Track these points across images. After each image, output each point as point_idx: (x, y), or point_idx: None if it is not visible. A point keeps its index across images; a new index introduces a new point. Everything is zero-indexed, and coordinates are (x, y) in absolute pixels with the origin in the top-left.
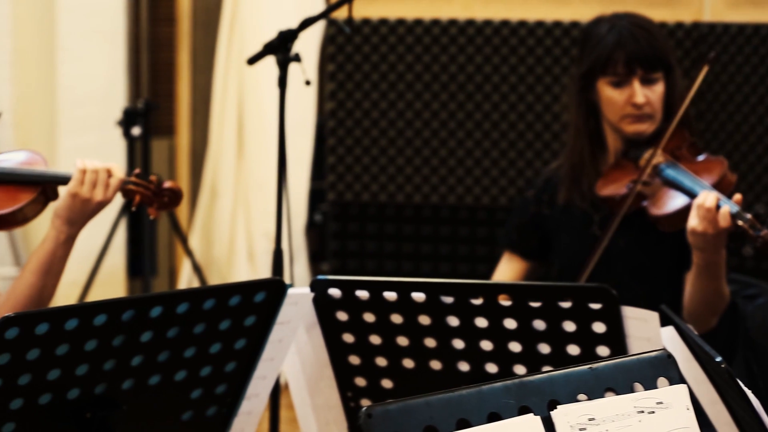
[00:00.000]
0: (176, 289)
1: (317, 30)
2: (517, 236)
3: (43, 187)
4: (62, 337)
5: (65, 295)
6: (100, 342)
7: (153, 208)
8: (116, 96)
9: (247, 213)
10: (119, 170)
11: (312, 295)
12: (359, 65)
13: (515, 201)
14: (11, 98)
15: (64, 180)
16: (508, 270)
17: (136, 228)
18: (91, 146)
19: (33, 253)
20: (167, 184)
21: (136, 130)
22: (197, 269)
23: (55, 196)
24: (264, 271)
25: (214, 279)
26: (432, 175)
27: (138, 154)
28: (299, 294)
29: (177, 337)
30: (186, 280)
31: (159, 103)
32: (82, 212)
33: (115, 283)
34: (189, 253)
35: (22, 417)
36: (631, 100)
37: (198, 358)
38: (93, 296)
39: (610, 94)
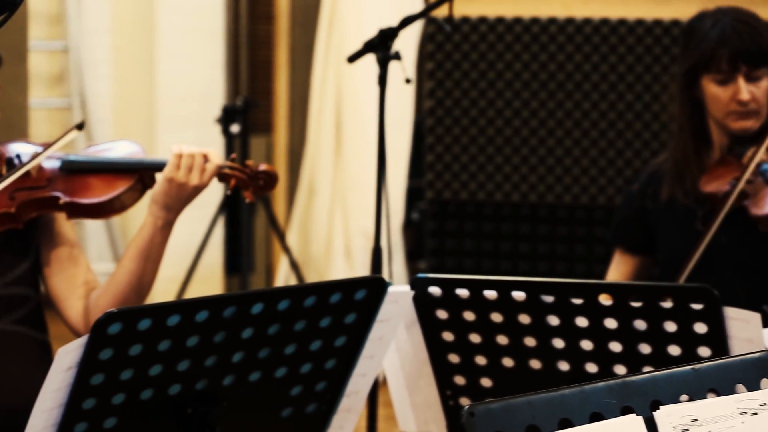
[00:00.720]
0: (274, 286)
1: (416, 28)
2: (622, 231)
3: (140, 174)
4: (164, 333)
5: (164, 291)
6: (202, 338)
7: (249, 192)
8: (215, 94)
9: (344, 210)
10: (216, 155)
11: (412, 293)
12: (458, 63)
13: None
14: (111, 96)
15: (161, 166)
16: (618, 267)
17: (233, 225)
18: (189, 143)
19: (132, 240)
20: (262, 167)
21: (234, 128)
22: (294, 266)
23: (152, 183)
24: (361, 269)
25: (311, 276)
26: (530, 173)
27: (237, 151)
28: (399, 292)
29: (278, 334)
30: (283, 277)
31: (257, 100)
32: (179, 197)
33: (212, 280)
34: (286, 250)
35: (124, 412)
36: (736, 97)
37: (298, 355)
38: (191, 293)
39: (714, 91)
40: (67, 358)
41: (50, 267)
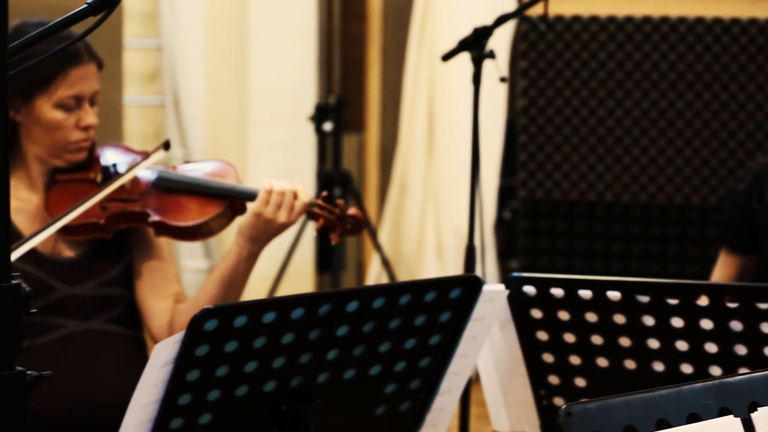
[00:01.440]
0: (365, 284)
1: (509, 26)
2: (727, 230)
3: (231, 201)
4: (260, 330)
5: (256, 288)
6: (297, 335)
7: (335, 234)
8: (307, 92)
9: (436, 209)
10: (305, 193)
11: (507, 292)
12: (552, 62)
13: (727, 195)
14: (204, 94)
15: (252, 196)
16: (723, 267)
17: None
18: (281, 141)
19: (217, 266)
20: (351, 211)
21: (327, 126)
22: (386, 264)
23: (242, 210)
24: (452, 268)
25: (402, 275)
26: (623, 173)
27: (329, 149)
28: (494, 291)
29: (372, 332)
30: (374, 275)
31: (349, 99)
32: (265, 232)
33: (304, 278)
34: (378, 248)
35: (219, 408)
36: None
37: (393, 353)
38: (283, 290)
39: None
40: (163, 354)
41: (138, 276)
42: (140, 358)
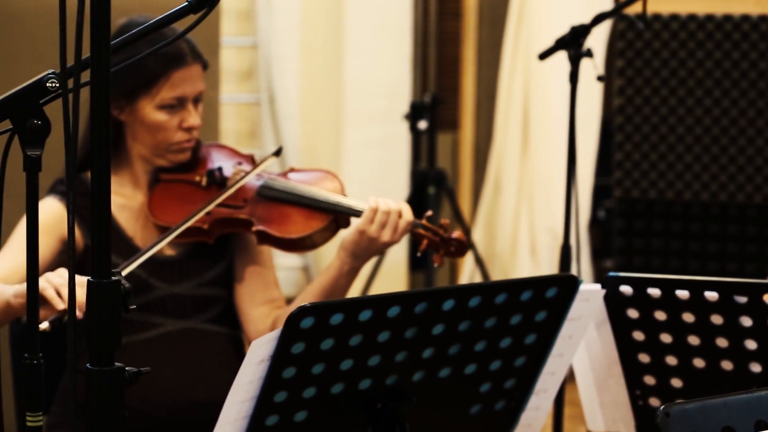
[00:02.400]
0: (458, 283)
1: (605, 25)
2: None
3: (335, 215)
4: (356, 328)
5: None
6: (393, 333)
7: (439, 255)
8: (402, 90)
9: (530, 208)
10: (409, 212)
11: (603, 291)
12: (648, 61)
13: None
14: (299, 92)
15: (357, 213)
16: None
17: None
18: (376, 140)
19: (317, 278)
20: (455, 234)
21: (422, 124)
22: (479, 263)
23: (346, 224)
24: (546, 267)
25: (496, 273)
26: (720, 172)
27: (423, 147)
28: (591, 290)
29: (468, 331)
30: (468, 273)
31: (444, 97)
32: (368, 249)
33: (397, 276)
34: (471, 246)
35: (315, 406)
36: None
37: (488, 352)
38: (376, 288)
39: None
40: (260, 351)
41: (238, 279)
42: (237, 358)
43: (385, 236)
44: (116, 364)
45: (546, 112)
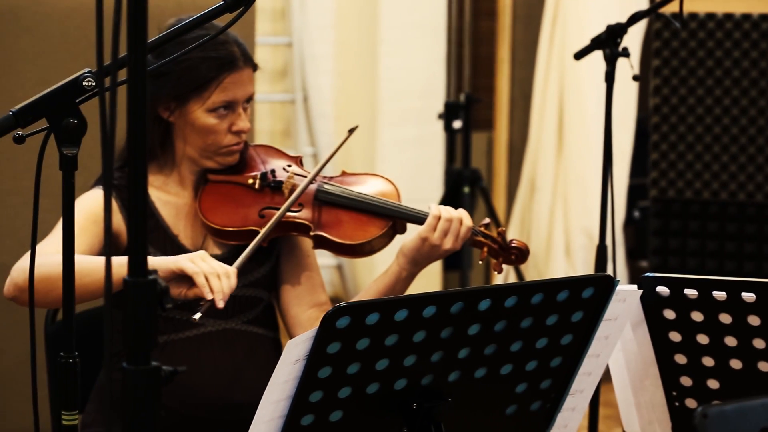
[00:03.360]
0: (492, 283)
1: (641, 24)
2: None
3: (394, 221)
4: (392, 328)
5: None
6: (429, 333)
7: (498, 262)
8: (436, 89)
9: (565, 208)
10: (469, 219)
11: (640, 292)
12: (685, 61)
13: None
14: (333, 90)
15: (417, 219)
16: None
17: None
18: (410, 139)
19: (374, 282)
20: (515, 243)
21: (457, 124)
22: None
23: (402, 230)
24: (581, 267)
25: (530, 273)
26: (757, 173)
27: (458, 147)
28: (627, 291)
29: (504, 331)
30: (502, 274)
31: (479, 96)
32: (429, 256)
33: (431, 276)
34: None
35: (350, 405)
36: None
37: (524, 353)
38: (411, 288)
39: None
40: (295, 350)
41: (285, 282)
42: (275, 358)
43: (447, 244)
44: (153, 363)
45: (581, 112)
